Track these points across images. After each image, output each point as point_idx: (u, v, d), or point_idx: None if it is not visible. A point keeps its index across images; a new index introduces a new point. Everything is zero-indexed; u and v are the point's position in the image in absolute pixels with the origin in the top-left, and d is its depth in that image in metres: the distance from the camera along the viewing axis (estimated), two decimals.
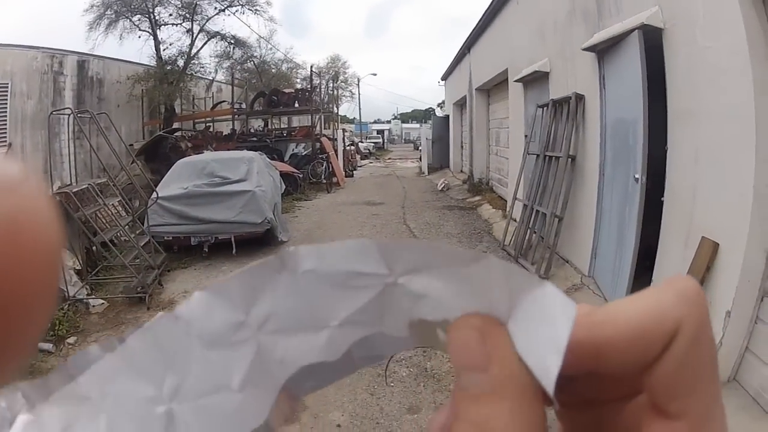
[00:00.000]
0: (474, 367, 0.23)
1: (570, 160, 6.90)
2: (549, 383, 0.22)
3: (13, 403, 0.27)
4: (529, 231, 7.87)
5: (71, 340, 5.44)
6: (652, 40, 4.72)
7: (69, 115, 9.65)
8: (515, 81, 9.91)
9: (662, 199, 4.77)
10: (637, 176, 4.94)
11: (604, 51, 5.85)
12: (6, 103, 13.18)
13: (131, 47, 35.68)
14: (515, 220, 8.68)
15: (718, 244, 3.70)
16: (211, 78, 24.82)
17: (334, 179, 18.65)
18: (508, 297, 0.24)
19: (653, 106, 4.79)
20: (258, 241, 9.11)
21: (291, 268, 0.27)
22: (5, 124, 13.10)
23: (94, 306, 6.33)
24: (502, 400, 0.22)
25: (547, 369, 0.22)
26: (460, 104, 19.89)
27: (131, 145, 15.21)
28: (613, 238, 5.60)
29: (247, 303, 0.27)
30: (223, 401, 0.27)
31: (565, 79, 7.32)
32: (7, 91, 13.22)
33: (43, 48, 14.75)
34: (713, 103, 3.95)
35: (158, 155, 15.15)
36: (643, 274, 4.91)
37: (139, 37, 21.27)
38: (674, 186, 4.59)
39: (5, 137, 12.98)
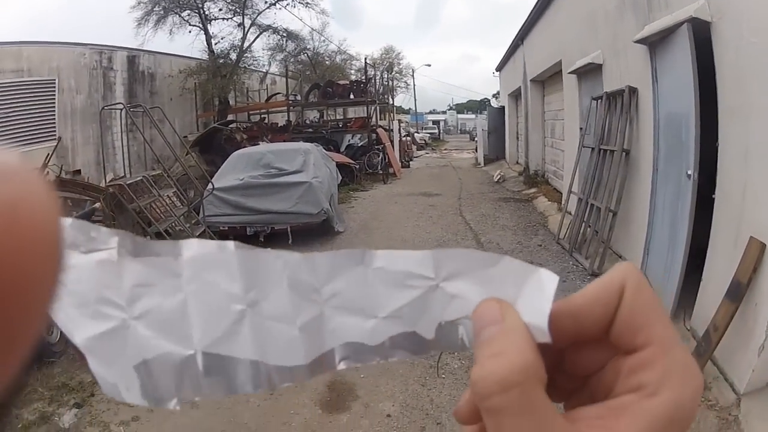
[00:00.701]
0: (492, 321, 0.30)
1: (624, 154, 6.80)
2: (543, 319, 0.30)
3: (103, 239, 0.33)
4: (583, 225, 7.78)
5: None
6: (704, 33, 4.58)
7: (121, 109, 9.99)
8: (569, 73, 9.75)
9: (714, 196, 4.63)
10: (689, 172, 4.84)
11: (656, 44, 5.72)
12: (54, 99, 13.61)
13: (182, 42, 36.12)
14: (570, 214, 8.59)
15: (765, 245, 3.59)
16: (264, 71, 24.86)
17: (390, 170, 18.67)
18: (515, 288, 0.32)
19: (706, 100, 4.66)
20: (314, 231, 9.18)
21: (367, 263, 0.33)
22: (54, 119, 13.53)
23: None
24: (511, 339, 0.29)
25: (542, 311, 0.30)
26: (515, 95, 19.56)
27: (185, 136, 15.50)
28: (665, 235, 5.48)
29: (326, 278, 0.34)
30: (285, 330, 0.34)
31: (618, 72, 7.18)
32: (54, 87, 13.62)
33: (90, 44, 15.13)
34: (760, 99, 3.83)
35: (213, 147, 15.40)
36: (693, 272, 4.77)
37: (190, 31, 21.39)
38: (725, 184, 4.45)
39: (54, 131, 13.43)
